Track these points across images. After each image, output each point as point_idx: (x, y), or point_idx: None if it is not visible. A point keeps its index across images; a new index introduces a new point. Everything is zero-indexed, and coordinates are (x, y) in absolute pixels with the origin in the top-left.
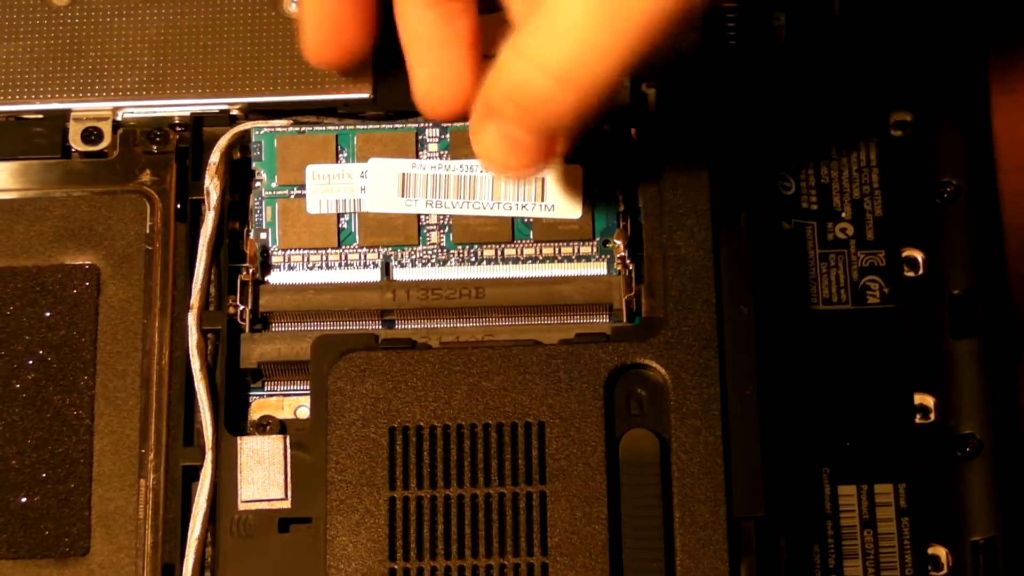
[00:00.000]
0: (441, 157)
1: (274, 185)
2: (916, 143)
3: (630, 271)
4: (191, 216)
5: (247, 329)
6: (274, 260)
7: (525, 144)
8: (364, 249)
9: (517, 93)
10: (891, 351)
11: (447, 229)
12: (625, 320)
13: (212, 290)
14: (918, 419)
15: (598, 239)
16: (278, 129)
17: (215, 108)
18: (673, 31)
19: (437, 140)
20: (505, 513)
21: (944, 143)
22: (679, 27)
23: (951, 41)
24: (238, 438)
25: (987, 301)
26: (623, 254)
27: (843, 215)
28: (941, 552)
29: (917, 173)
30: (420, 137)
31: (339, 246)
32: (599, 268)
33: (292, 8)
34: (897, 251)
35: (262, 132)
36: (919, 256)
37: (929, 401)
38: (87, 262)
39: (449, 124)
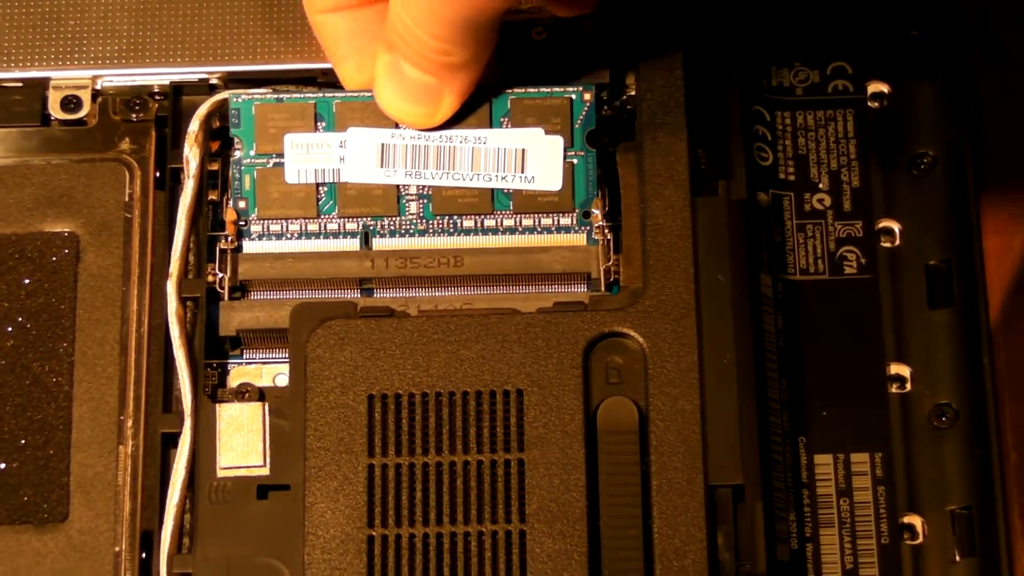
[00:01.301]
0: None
1: (252, 153)
2: (893, 114)
3: (608, 240)
4: (170, 184)
5: (226, 297)
6: (253, 229)
7: (411, 82)
8: (343, 219)
9: (392, 26)
10: (867, 321)
11: (426, 200)
12: (603, 289)
13: (191, 258)
14: (894, 389)
15: (578, 210)
16: (256, 97)
17: (194, 77)
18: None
19: None
20: (483, 480)
21: (920, 114)
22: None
23: (928, 11)
24: (217, 405)
25: (962, 272)
26: (601, 223)
27: (820, 186)
28: (917, 521)
29: (893, 144)
30: None
31: (318, 216)
32: (579, 239)
33: None
34: (873, 222)
35: (240, 100)
36: (895, 227)
37: (905, 371)
38: (66, 230)
39: None
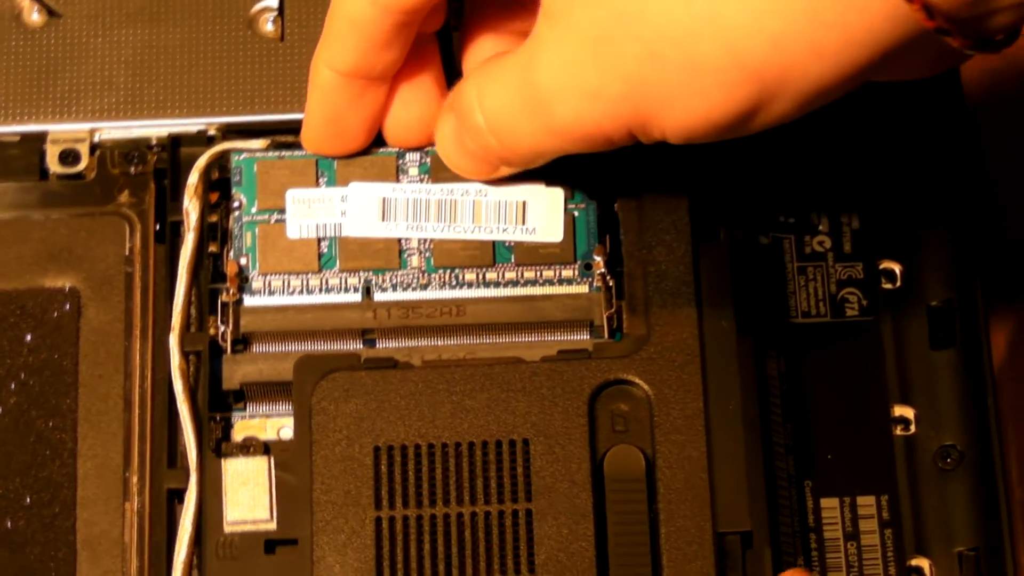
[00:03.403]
0: (422, 181)
1: (254, 210)
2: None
3: (610, 287)
4: (170, 237)
5: (228, 350)
6: (254, 285)
7: (470, 151)
8: (345, 273)
9: (463, 109)
10: (870, 363)
11: (428, 253)
12: (606, 336)
13: (193, 311)
14: (898, 431)
15: (580, 262)
16: (257, 155)
17: (192, 128)
18: (594, 145)
19: (417, 164)
20: (491, 531)
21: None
22: (601, 144)
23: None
24: (222, 460)
25: (964, 312)
26: (603, 270)
27: (820, 228)
28: (924, 564)
29: (893, 185)
30: (400, 162)
31: (319, 270)
32: (581, 291)
33: (268, 27)
34: (875, 263)
35: (242, 158)
36: (896, 268)
37: (909, 413)
38: (67, 285)
39: (430, 148)
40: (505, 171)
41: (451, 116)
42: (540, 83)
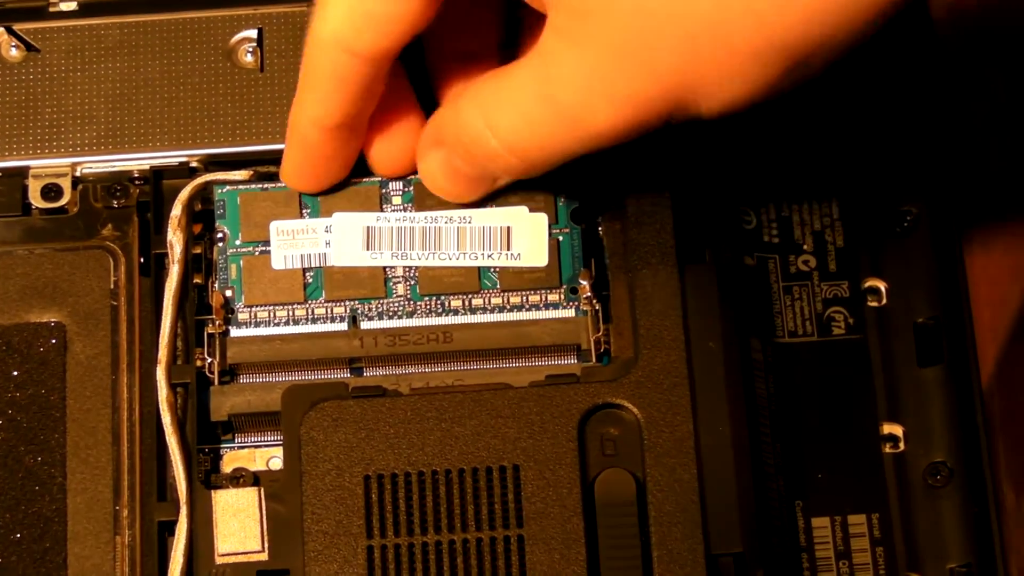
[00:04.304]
0: (405, 210)
1: (238, 242)
2: (875, 173)
3: (597, 311)
4: (155, 270)
5: (216, 381)
6: (240, 317)
7: (465, 175)
8: (331, 303)
9: (467, 138)
10: (858, 381)
11: (413, 280)
12: (594, 360)
13: (179, 343)
14: (887, 449)
15: (565, 286)
16: (240, 187)
17: (174, 160)
18: (630, 138)
19: (401, 193)
20: (483, 558)
21: (902, 172)
22: (637, 135)
23: (906, 68)
24: (212, 491)
25: (951, 328)
26: (589, 294)
27: (805, 247)
28: None
29: (876, 203)
30: (384, 191)
31: (305, 301)
32: (567, 314)
33: (247, 58)
34: (860, 282)
35: (225, 190)
36: (882, 286)
37: (898, 430)
38: (53, 319)
39: (413, 176)
40: (503, 182)
41: (438, 150)
42: (564, 98)
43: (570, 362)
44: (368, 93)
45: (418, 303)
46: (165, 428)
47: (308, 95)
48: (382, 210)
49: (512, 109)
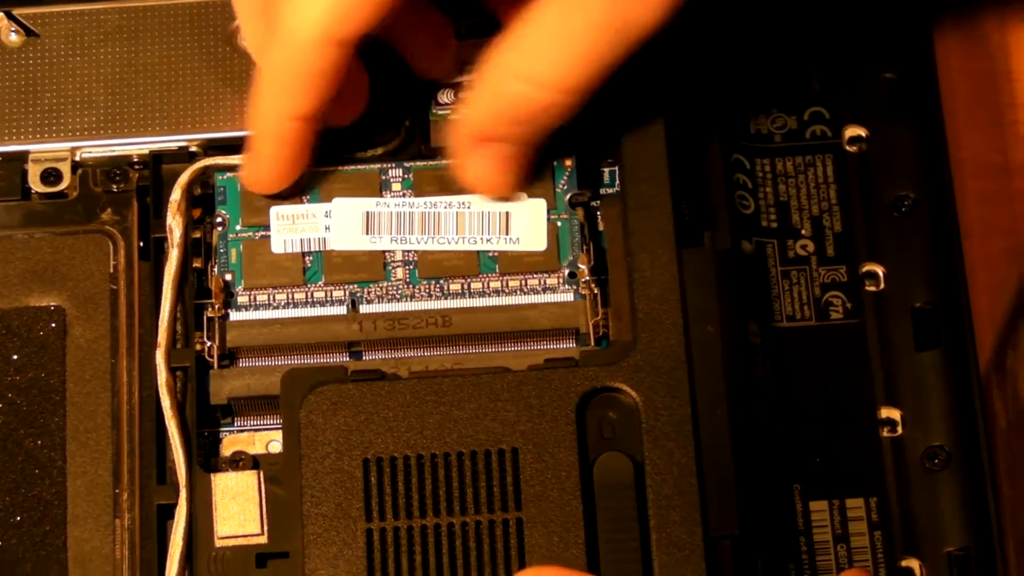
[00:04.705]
0: (404, 196)
1: (238, 227)
2: (871, 158)
3: (595, 295)
4: (154, 254)
5: (215, 365)
6: (240, 300)
7: (517, 158)
8: (330, 287)
9: (509, 105)
10: (856, 366)
11: (412, 265)
12: (592, 344)
13: (178, 327)
14: (885, 432)
15: (564, 270)
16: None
17: (174, 145)
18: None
19: (401, 179)
20: (482, 540)
21: (899, 157)
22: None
23: (901, 54)
24: (211, 475)
25: (949, 313)
26: (587, 278)
27: (803, 232)
28: (915, 564)
29: (874, 188)
30: (383, 177)
31: (305, 284)
32: (566, 298)
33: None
34: (857, 266)
35: (225, 177)
36: (880, 270)
37: (896, 414)
38: (52, 303)
39: (411, 164)
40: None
41: (482, 147)
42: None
43: (569, 346)
44: (341, 77)
45: (417, 287)
46: (165, 412)
47: (286, 90)
48: (382, 196)
49: (545, 47)
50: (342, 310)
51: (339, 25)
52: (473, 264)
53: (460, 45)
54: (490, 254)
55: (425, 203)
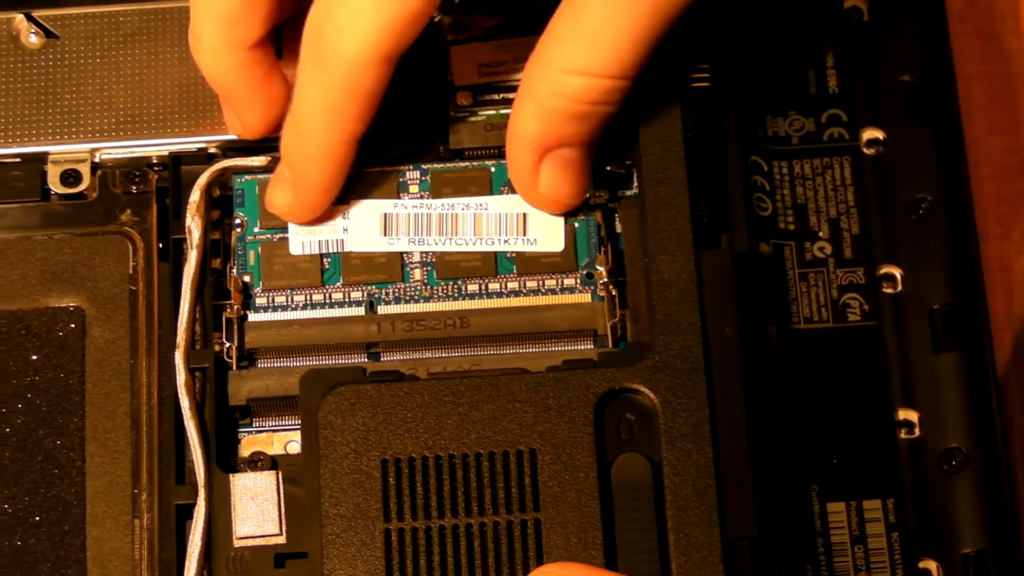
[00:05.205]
0: (422, 198)
1: (256, 229)
2: (889, 160)
3: (613, 296)
4: (173, 255)
5: (234, 366)
6: (258, 302)
7: (583, 162)
8: (348, 288)
9: (574, 106)
10: (873, 367)
11: (430, 266)
12: (610, 345)
13: (197, 328)
14: (903, 434)
15: (582, 271)
16: (259, 176)
17: (193, 146)
18: None
19: (418, 182)
20: (500, 541)
21: (916, 159)
22: None
23: (918, 56)
24: (230, 475)
25: (966, 315)
26: (605, 280)
27: (820, 234)
28: (932, 566)
29: (891, 190)
30: (401, 179)
31: (323, 285)
32: (584, 297)
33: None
34: (875, 268)
35: (243, 180)
36: (897, 272)
37: (913, 416)
38: (72, 304)
39: (429, 166)
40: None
41: (549, 158)
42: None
43: (587, 347)
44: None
45: (435, 288)
46: (183, 412)
47: (338, 113)
48: (399, 198)
49: (598, 35)
50: (360, 311)
51: (389, 42)
52: (491, 265)
53: (477, 48)
54: (508, 255)
55: (443, 205)
